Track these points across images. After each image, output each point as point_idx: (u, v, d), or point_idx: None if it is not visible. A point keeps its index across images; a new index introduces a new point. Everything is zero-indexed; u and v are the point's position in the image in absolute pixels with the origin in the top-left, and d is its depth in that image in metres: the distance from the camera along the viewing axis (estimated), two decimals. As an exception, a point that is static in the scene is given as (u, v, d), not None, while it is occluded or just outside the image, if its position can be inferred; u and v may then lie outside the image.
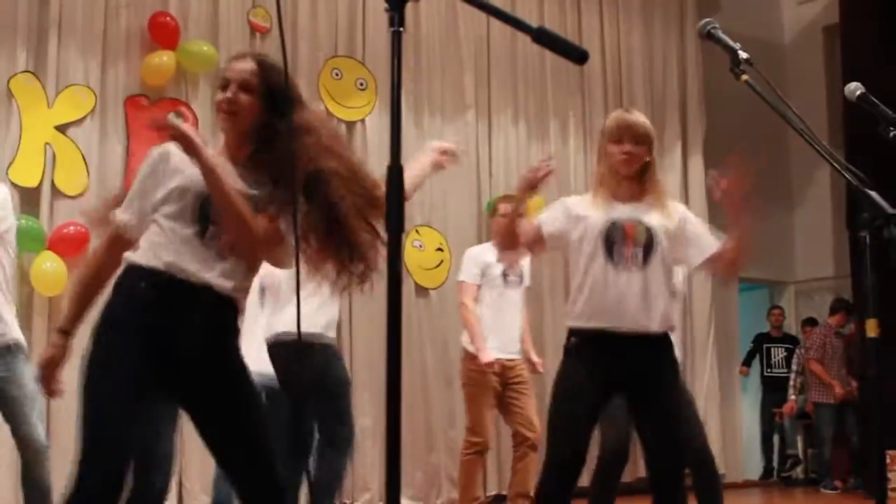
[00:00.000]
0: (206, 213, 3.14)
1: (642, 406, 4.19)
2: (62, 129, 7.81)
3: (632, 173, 4.18)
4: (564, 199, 4.36)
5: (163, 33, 8.23)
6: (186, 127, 3.16)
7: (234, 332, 3.25)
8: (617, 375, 4.09)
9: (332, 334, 5.80)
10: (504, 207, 7.06)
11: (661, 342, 4.16)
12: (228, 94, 3.20)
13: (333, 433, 5.67)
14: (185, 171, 3.17)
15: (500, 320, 6.88)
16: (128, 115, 8.16)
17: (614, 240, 4.09)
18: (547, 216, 4.28)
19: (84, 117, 7.93)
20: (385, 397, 2.08)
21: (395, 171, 1.78)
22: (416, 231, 9.23)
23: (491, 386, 6.76)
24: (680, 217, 4.26)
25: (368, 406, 8.54)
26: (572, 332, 4.20)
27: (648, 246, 4.11)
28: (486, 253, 6.93)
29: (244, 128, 3.23)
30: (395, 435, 2.01)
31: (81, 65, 7.96)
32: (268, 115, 3.21)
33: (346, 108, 9.16)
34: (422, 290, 9.09)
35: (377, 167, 8.73)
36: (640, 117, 4.27)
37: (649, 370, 4.11)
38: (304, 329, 3.19)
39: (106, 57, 8.11)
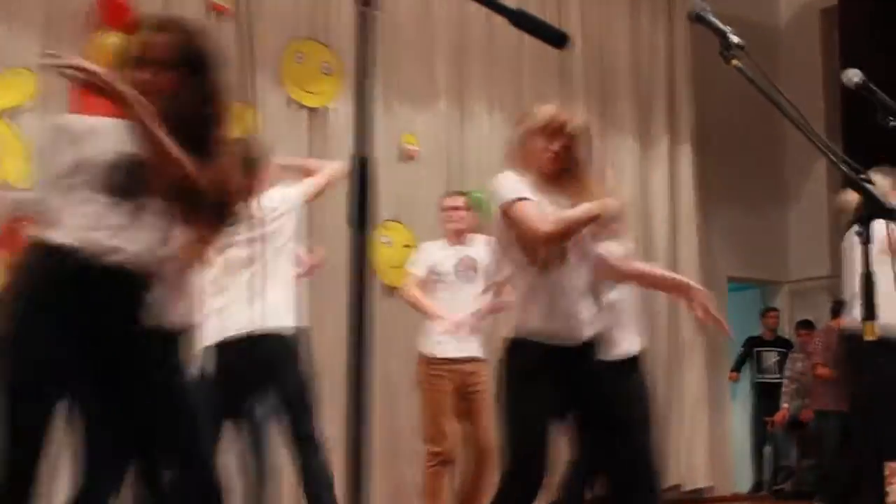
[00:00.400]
0: (116, 182, 3.14)
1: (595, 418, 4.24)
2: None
3: (556, 171, 4.25)
4: (518, 179, 4.29)
5: (113, 13, 8.19)
6: (96, 67, 3.13)
7: (142, 307, 3.23)
8: (572, 389, 4.14)
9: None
10: (449, 202, 7.33)
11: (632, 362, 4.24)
12: (148, 75, 3.19)
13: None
14: (87, 141, 3.19)
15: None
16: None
17: None
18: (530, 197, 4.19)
19: (25, 103, 7.91)
20: (347, 406, 2.07)
21: (363, 161, 1.75)
22: (384, 226, 9.21)
23: (447, 390, 6.78)
24: None
25: (331, 414, 8.53)
26: (523, 343, 4.18)
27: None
28: (437, 250, 7.10)
29: (165, 101, 3.21)
30: (360, 446, 1.98)
31: (22, 46, 7.94)
32: (187, 80, 3.23)
33: (310, 95, 9.16)
34: (389, 290, 9.05)
35: (342, 157, 8.72)
36: (576, 114, 4.42)
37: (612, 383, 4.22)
38: None
39: (49, 38, 8.07)
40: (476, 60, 10.15)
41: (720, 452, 11.72)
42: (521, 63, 10.41)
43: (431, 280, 6.98)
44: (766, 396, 12.01)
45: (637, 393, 4.45)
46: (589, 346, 4.16)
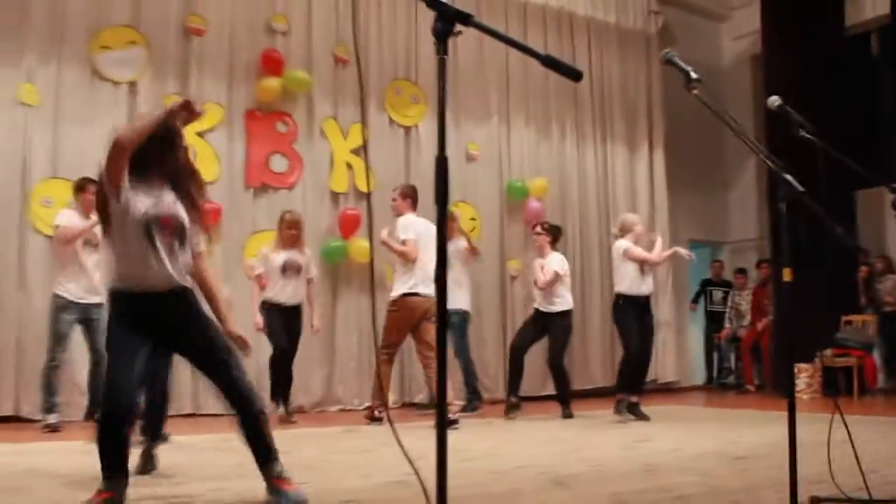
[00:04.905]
0: None
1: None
2: (200, 134, 7.87)
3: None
4: None
5: (272, 64, 8.26)
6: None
7: None
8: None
9: None
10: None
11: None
12: None
13: None
14: None
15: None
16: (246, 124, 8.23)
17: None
18: None
19: (215, 126, 8.00)
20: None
21: (442, 161, 1.76)
22: (456, 205, 9.21)
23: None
24: None
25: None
26: None
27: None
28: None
29: None
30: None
31: (213, 86, 8.02)
32: None
33: (404, 117, 9.15)
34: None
35: (427, 160, 8.77)
36: None
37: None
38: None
39: (230, 80, 8.16)
40: (517, 90, 10.07)
41: (684, 358, 11.68)
42: (548, 91, 10.33)
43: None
44: (714, 320, 11.89)
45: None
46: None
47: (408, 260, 6.49)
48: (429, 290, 6.41)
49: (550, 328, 7.37)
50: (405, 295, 6.45)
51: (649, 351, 7.17)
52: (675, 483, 3.59)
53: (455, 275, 7.70)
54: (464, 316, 7.80)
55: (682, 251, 7.45)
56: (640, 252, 7.06)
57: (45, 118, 7.11)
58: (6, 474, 3.80)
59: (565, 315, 7.40)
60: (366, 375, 8.32)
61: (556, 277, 7.33)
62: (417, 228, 6.58)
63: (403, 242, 6.54)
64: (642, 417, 6.87)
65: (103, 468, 2.94)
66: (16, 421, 6.66)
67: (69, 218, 6.13)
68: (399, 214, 6.77)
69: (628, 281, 7.01)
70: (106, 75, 7.47)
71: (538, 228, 7.71)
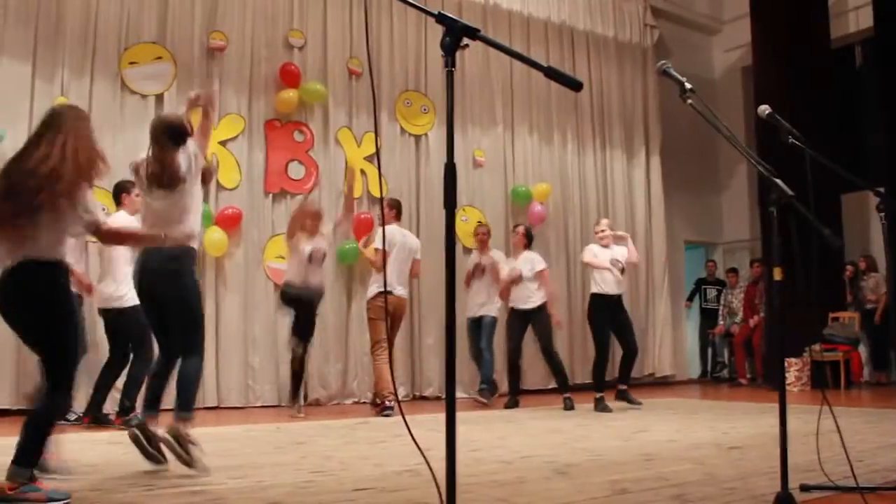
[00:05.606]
0: None
1: None
2: (223, 143, 7.88)
3: None
4: None
5: (289, 77, 8.26)
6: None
7: None
8: None
9: None
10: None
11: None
12: None
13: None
14: None
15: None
16: (266, 134, 8.22)
17: None
18: None
19: (236, 136, 8.00)
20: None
21: (450, 167, 1.75)
22: (463, 209, 9.22)
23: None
24: None
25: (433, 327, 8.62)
26: None
27: None
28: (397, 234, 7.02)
29: None
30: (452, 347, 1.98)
31: (234, 100, 8.02)
32: None
33: (415, 126, 9.13)
34: (467, 250, 9.06)
35: (436, 167, 8.75)
36: None
37: None
38: None
39: (250, 93, 8.16)
40: (521, 99, 10.05)
41: (680, 353, 11.61)
42: (550, 101, 10.30)
43: None
44: (708, 317, 11.85)
45: None
46: None
47: (374, 267, 6.90)
48: (395, 288, 6.78)
49: (533, 322, 7.46)
50: (378, 294, 6.76)
51: (634, 343, 7.24)
52: (672, 471, 3.57)
53: (489, 283, 7.90)
54: (493, 320, 7.95)
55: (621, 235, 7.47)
56: (590, 258, 7.19)
57: (77, 129, 7.11)
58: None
59: (543, 307, 7.47)
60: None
61: (519, 279, 7.48)
62: (393, 239, 6.87)
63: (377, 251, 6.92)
64: (633, 402, 7.06)
65: (39, 456, 3.00)
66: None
67: (126, 219, 5.53)
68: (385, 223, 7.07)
69: (598, 281, 7.15)
70: (134, 89, 7.49)
71: (520, 229, 7.84)
